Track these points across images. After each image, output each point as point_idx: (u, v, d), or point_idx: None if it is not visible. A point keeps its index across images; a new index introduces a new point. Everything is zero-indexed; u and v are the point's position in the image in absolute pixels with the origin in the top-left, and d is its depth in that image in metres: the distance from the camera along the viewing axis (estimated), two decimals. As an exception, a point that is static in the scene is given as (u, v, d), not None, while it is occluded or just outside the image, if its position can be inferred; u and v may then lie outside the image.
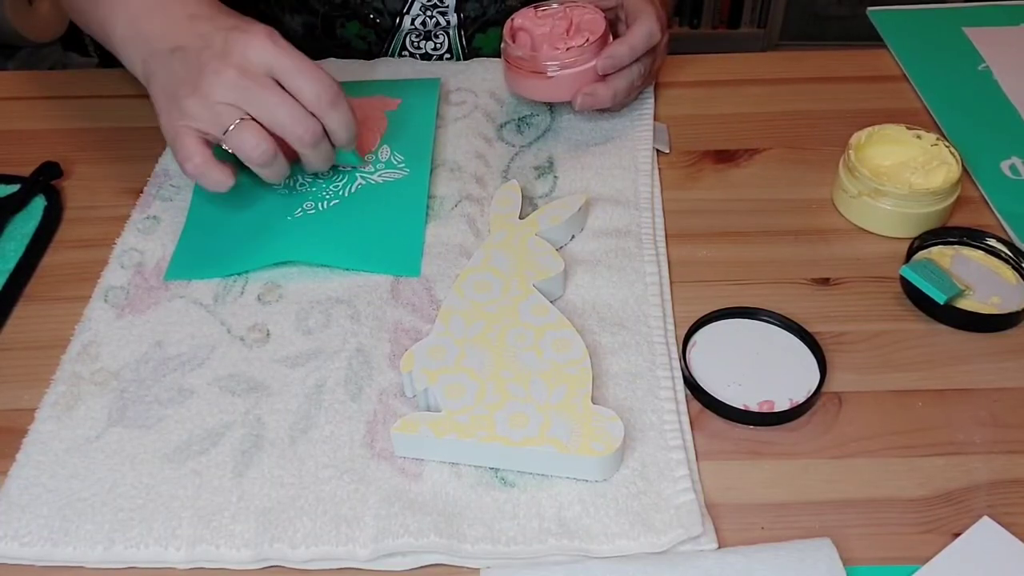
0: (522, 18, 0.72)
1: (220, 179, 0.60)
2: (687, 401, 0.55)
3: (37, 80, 0.85)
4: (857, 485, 0.50)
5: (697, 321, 0.59)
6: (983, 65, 0.81)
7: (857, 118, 0.73)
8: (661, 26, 0.70)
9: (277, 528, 0.48)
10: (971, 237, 0.64)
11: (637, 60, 0.69)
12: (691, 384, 0.55)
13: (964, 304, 0.59)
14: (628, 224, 0.65)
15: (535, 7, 0.73)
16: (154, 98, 0.61)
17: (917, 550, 0.47)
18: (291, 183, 0.68)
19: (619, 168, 0.70)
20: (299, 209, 0.66)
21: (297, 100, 0.59)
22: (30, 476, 0.51)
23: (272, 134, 0.59)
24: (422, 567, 0.48)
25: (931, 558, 0.47)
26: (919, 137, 0.68)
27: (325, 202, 0.66)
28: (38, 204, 0.69)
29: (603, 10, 0.71)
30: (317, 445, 0.52)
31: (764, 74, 0.82)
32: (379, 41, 0.85)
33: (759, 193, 0.69)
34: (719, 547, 0.48)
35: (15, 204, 0.68)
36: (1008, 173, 0.70)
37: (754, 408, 0.54)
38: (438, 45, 0.85)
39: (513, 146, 0.73)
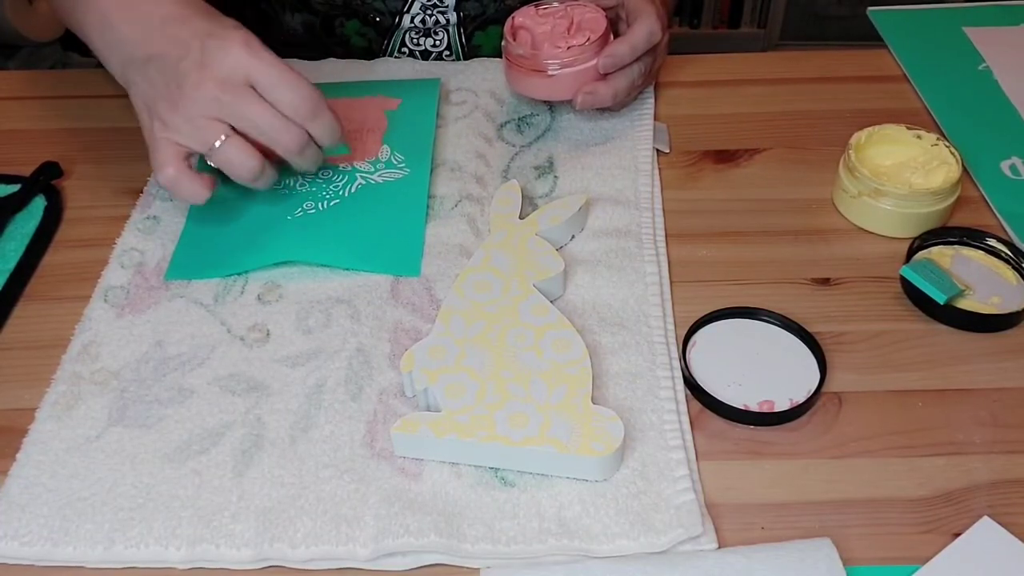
0: (523, 16, 0.72)
1: (194, 191, 0.59)
2: (687, 401, 0.55)
3: (37, 80, 0.85)
4: (857, 485, 0.50)
5: (697, 321, 0.59)
6: (983, 65, 0.81)
7: (857, 118, 0.73)
8: (662, 25, 0.70)
9: (277, 528, 0.48)
10: (971, 237, 0.64)
11: (638, 59, 0.69)
12: (691, 384, 0.55)
13: (964, 304, 0.59)
14: (628, 224, 0.65)
15: (536, 5, 0.73)
16: (135, 106, 0.60)
17: (917, 550, 0.47)
18: (291, 183, 0.68)
19: (619, 168, 0.70)
20: (299, 209, 0.66)
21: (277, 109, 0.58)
22: (30, 476, 0.51)
23: (258, 143, 0.58)
24: (422, 567, 0.48)
25: (931, 558, 0.47)
26: (919, 137, 0.68)
27: (325, 202, 0.66)
28: (38, 204, 0.69)
29: (603, 9, 0.71)
30: (317, 445, 0.52)
31: (764, 74, 0.82)
32: (379, 38, 0.85)
33: (759, 193, 0.69)
34: (719, 547, 0.48)
35: (15, 204, 0.68)
36: (1008, 173, 0.70)
37: (754, 408, 0.54)
38: (437, 42, 0.85)
39: (513, 146, 0.73)
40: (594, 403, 0.52)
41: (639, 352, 0.56)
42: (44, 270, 0.65)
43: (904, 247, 0.63)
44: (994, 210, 0.67)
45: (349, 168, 0.69)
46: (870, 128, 0.68)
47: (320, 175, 0.68)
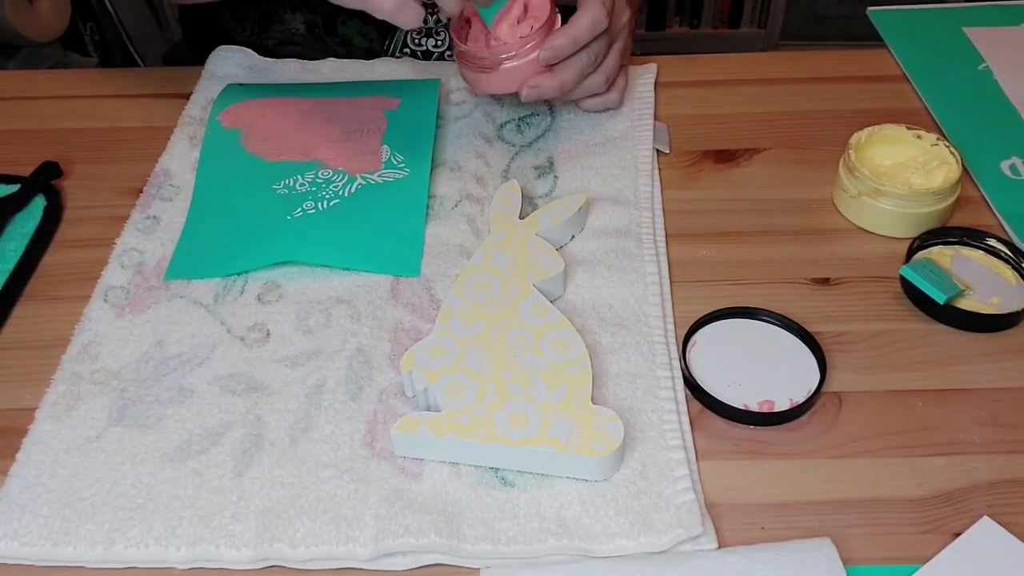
0: (470, 8, 0.69)
1: (414, 16, 0.61)
2: (687, 401, 0.55)
3: (37, 80, 0.85)
4: (857, 485, 0.50)
5: (697, 321, 0.59)
6: (983, 65, 0.81)
7: (857, 118, 0.73)
8: (608, 11, 0.67)
9: (277, 528, 0.48)
10: (971, 237, 0.64)
11: (585, 47, 0.67)
12: (691, 384, 0.55)
13: (964, 304, 0.59)
14: (628, 224, 0.65)
15: None
16: None
17: (917, 550, 0.47)
18: (291, 183, 0.68)
19: (619, 168, 0.70)
20: (299, 209, 0.66)
21: None
22: (30, 476, 0.51)
23: None
24: (422, 567, 0.48)
25: (931, 558, 0.47)
26: (919, 137, 0.68)
27: (325, 202, 0.66)
28: (38, 204, 0.69)
29: None
30: (317, 445, 0.52)
31: (764, 74, 0.82)
32: (380, 38, 0.85)
33: (759, 193, 0.69)
34: (719, 547, 0.48)
35: (15, 204, 0.68)
36: (1008, 173, 0.70)
37: (754, 408, 0.54)
38: (439, 42, 0.85)
39: (513, 146, 0.73)
40: (594, 403, 0.52)
41: (639, 352, 0.56)
42: (44, 270, 0.65)
43: (904, 247, 0.63)
44: (994, 210, 0.67)
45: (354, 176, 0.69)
46: (870, 128, 0.68)
47: (320, 175, 0.68)
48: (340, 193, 0.67)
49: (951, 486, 0.50)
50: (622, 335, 0.57)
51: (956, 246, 0.64)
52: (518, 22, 0.67)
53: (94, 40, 1.67)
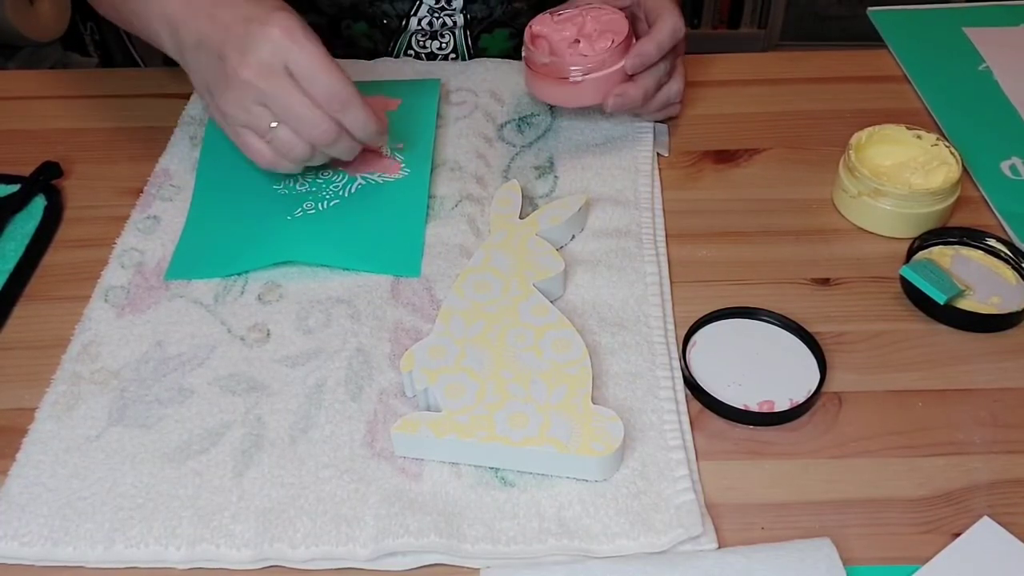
0: (540, 24, 0.71)
1: (292, 168, 0.61)
2: (687, 401, 0.55)
3: (37, 80, 0.85)
4: (857, 485, 0.50)
5: (697, 321, 0.59)
6: (983, 65, 0.81)
7: (857, 118, 0.73)
8: (684, 20, 0.69)
9: (277, 528, 0.48)
10: (971, 237, 0.64)
11: (663, 57, 0.69)
12: (691, 384, 0.55)
13: (964, 304, 0.59)
14: (628, 224, 0.65)
15: (551, 12, 0.72)
16: (196, 89, 0.62)
17: (917, 550, 0.47)
18: (291, 183, 0.68)
19: (619, 168, 0.70)
20: (299, 209, 0.66)
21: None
22: (30, 476, 0.51)
23: None
24: (422, 567, 0.48)
25: (931, 558, 0.47)
26: (919, 137, 0.68)
27: (325, 202, 0.66)
28: (38, 204, 0.69)
29: (620, 10, 0.70)
30: (317, 445, 0.52)
31: (764, 74, 0.82)
32: (385, 40, 0.85)
33: (759, 193, 0.69)
34: (719, 547, 0.48)
35: (15, 204, 0.68)
36: (1008, 173, 0.70)
37: (754, 408, 0.54)
38: (443, 45, 0.85)
39: (513, 146, 0.73)
40: (594, 403, 0.52)
41: (639, 352, 0.56)
42: (44, 270, 0.65)
43: (904, 247, 0.63)
44: (994, 210, 0.67)
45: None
46: (870, 128, 0.68)
47: (320, 175, 0.68)
48: (340, 193, 0.67)
49: (951, 486, 0.50)
50: (622, 335, 0.57)
51: (956, 246, 0.64)
52: (590, 39, 0.69)
53: (94, 40, 1.67)
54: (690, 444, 0.52)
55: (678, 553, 0.47)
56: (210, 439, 0.53)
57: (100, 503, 0.50)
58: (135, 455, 0.52)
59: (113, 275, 0.63)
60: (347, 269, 0.63)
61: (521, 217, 0.63)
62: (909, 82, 0.80)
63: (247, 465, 0.51)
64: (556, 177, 0.70)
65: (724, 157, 0.73)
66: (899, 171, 0.66)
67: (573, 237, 0.65)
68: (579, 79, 0.67)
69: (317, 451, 0.52)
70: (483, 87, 0.79)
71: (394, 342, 0.58)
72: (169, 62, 0.66)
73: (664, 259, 0.63)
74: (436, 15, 0.83)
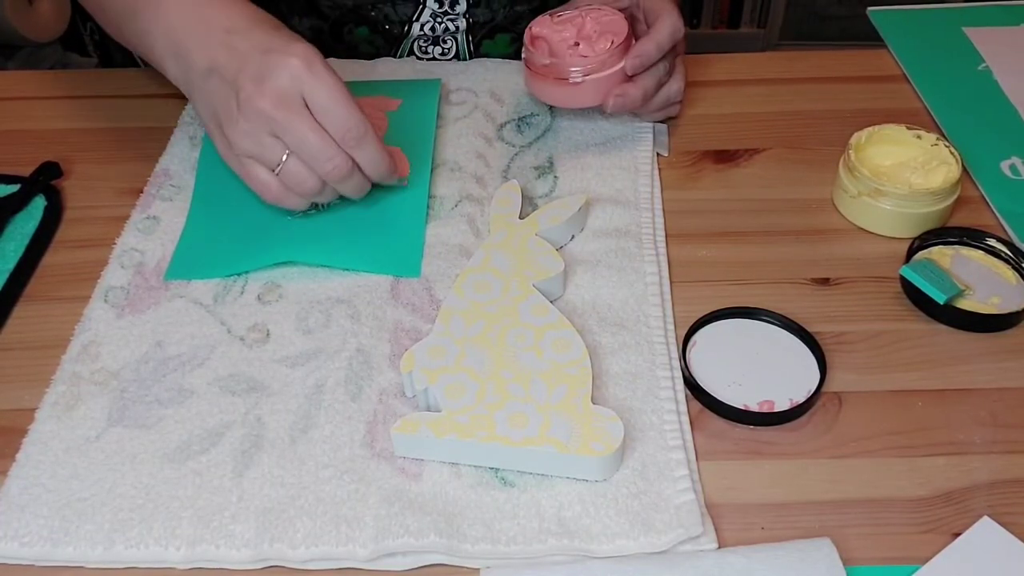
0: (539, 26, 0.71)
1: (298, 203, 0.61)
2: (687, 401, 0.55)
3: (37, 80, 0.85)
4: (857, 485, 0.50)
5: (697, 321, 0.59)
6: (983, 65, 0.81)
7: (857, 118, 0.73)
8: (684, 20, 0.69)
9: (277, 528, 0.48)
10: (971, 237, 0.64)
11: (663, 57, 0.69)
12: (691, 384, 0.55)
13: (964, 304, 0.59)
14: (628, 224, 0.65)
15: (551, 14, 0.72)
16: (200, 116, 0.61)
17: (917, 550, 0.47)
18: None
19: (619, 168, 0.70)
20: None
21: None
22: (30, 476, 0.51)
23: None
24: (422, 567, 0.48)
25: (931, 558, 0.47)
26: (919, 137, 0.68)
27: (325, 202, 0.66)
28: (38, 204, 0.69)
29: (619, 11, 0.71)
30: (317, 445, 0.52)
31: (764, 74, 0.82)
32: (387, 45, 0.85)
33: (759, 193, 0.69)
34: (719, 547, 0.48)
35: (15, 204, 0.68)
36: (1008, 173, 0.70)
37: (754, 408, 0.54)
38: (446, 50, 0.85)
39: (513, 146, 0.73)
40: (594, 403, 0.52)
41: (639, 352, 0.56)
42: (44, 270, 0.65)
43: (904, 247, 0.63)
44: (994, 210, 0.67)
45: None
46: (870, 128, 0.68)
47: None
48: (340, 193, 0.67)
49: (951, 486, 0.50)
50: (622, 335, 0.57)
51: (956, 246, 0.64)
52: (590, 40, 0.69)
53: (94, 40, 1.67)
54: (690, 444, 0.52)
55: (678, 553, 0.47)
56: (210, 439, 0.53)
57: (100, 503, 0.50)
58: (135, 455, 0.52)
59: (113, 275, 0.63)
60: (347, 269, 0.63)
61: (521, 217, 0.63)
62: (909, 82, 0.80)
63: (247, 465, 0.51)
64: (556, 177, 0.70)
65: (724, 157, 0.73)
66: (899, 171, 0.66)
67: (573, 237, 0.65)
68: (579, 80, 0.67)
69: (317, 451, 0.52)
70: (483, 87, 0.79)
71: (394, 342, 0.58)
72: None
73: (664, 259, 0.63)
74: (439, 20, 0.83)
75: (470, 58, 0.86)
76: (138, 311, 0.60)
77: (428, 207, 0.67)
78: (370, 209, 0.66)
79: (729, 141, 0.74)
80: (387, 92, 0.76)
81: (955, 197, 0.65)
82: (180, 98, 0.78)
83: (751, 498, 0.50)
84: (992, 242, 0.63)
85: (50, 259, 0.66)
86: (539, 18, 0.72)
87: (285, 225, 0.65)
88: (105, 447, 0.53)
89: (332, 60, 0.81)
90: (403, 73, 0.81)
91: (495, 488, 0.50)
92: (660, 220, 0.67)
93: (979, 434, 0.53)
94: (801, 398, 0.54)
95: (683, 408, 0.54)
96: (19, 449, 0.53)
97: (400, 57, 0.85)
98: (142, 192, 0.69)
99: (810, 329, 0.57)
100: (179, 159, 0.72)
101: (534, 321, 0.56)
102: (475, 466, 0.51)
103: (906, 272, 0.60)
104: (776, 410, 0.54)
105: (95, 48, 1.69)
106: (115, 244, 0.65)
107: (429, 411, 0.53)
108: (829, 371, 0.56)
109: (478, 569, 0.47)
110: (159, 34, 0.61)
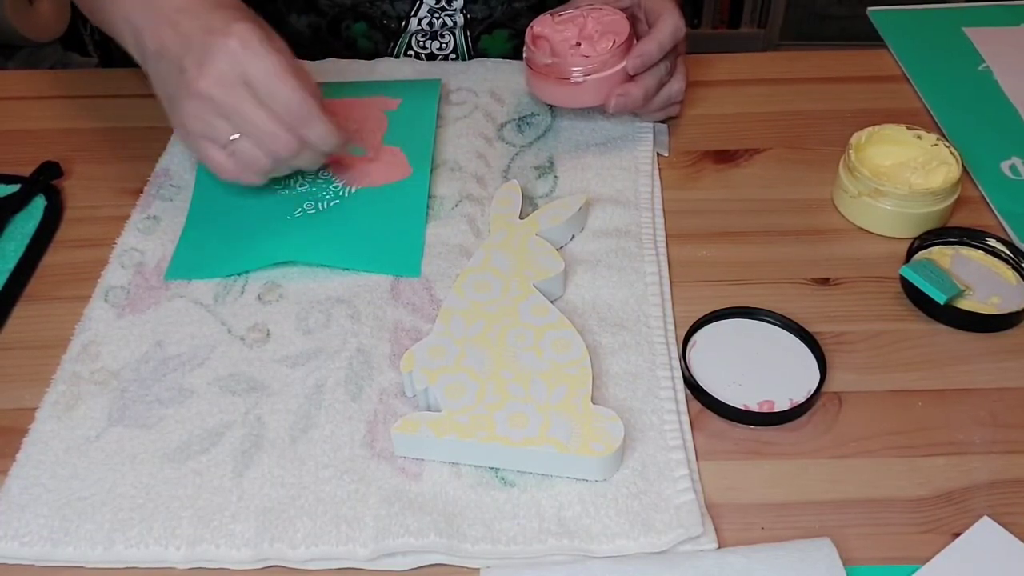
0: (541, 25, 0.71)
1: (256, 179, 0.61)
2: (687, 401, 0.55)
3: (37, 80, 0.85)
4: (857, 485, 0.50)
5: (697, 321, 0.59)
6: (983, 65, 0.81)
7: (857, 118, 0.73)
8: (685, 20, 0.69)
9: (277, 528, 0.48)
10: (971, 237, 0.64)
11: (664, 57, 0.69)
12: (691, 384, 0.55)
13: (964, 304, 0.59)
14: (628, 224, 0.65)
15: (552, 13, 0.72)
16: (158, 97, 0.61)
17: (917, 550, 0.47)
18: (291, 183, 0.68)
19: (619, 168, 0.70)
20: (299, 209, 0.66)
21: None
22: (30, 476, 0.51)
23: None
24: (422, 567, 0.48)
25: (931, 558, 0.47)
26: (919, 137, 0.68)
27: (325, 202, 0.66)
28: (38, 204, 0.69)
29: (620, 10, 0.71)
30: (317, 445, 0.52)
31: (764, 74, 0.82)
32: (385, 41, 0.85)
33: (759, 193, 0.69)
34: (719, 547, 0.48)
35: (15, 204, 0.68)
36: (1008, 173, 0.70)
37: (754, 408, 0.54)
38: (443, 45, 0.85)
39: (513, 146, 0.73)
40: (594, 403, 0.52)
41: (639, 352, 0.56)
42: (44, 270, 0.65)
43: (904, 247, 0.63)
44: (994, 210, 0.67)
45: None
46: (870, 128, 0.68)
47: (320, 175, 0.68)
48: (340, 193, 0.67)
49: (951, 486, 0.50)
50: (622, 335, 0.57)
51: (956, 246, 0.64)
52: (592, 40, 0.69)
53: (94, 40, 1.67)
54: (690, 444, 0.52)
55: (678, 553, 0.47)
56: (210, 439, 0.53)
57: (100, 503, 0.50)
58: (135, 455, 0.52)
59: (113, 275, 0.63)
60: (347, 269, 0.63)
61: (521, 217, 0.63)
62: (909, 82, 0.80)
63: (247, 465, 0.51)
64: (556, 177, 0.70)
65: (724, 157, 0.73)
66: (899, 171, 0.66)
67: (573, 237, 0.65)
68: (581, 80, 0.67)
69: (317, 451, 0.52)
70: (483, 87, 0.79)
71: (394, 342, 0.58)
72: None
73: (664, 259, 0.63)
74: (436, 15, 0.83)
75: (468, 53, 0.86)
76: (138, 311, 0.60)
77: (428, 207, 0.67)
78: (370, 209, 0.66)
79: (729, 141, 0.74)
80: (387, 92, 0.76)
81: (955, 197, 0.65)
82: (180, 98, 0.78)
83: (751, 498, 0.50)
84: (992, 242, 0.63)
85: (50, 259, 0.66)
86: (540, 17, 0.72)
87: (285, 225, 0.65)
88: (105, 447, 0.53)
89: (331, 60, 0.82)
90: (403, 73, 0.81)
91: (495, 488, 0.50)
92: (660, 220, 0.67)
93: (979, 434, 0.53)
94: (801, 398, 0.54)
95: (683, 408, 0.54)
96: (19, 449, 0.53)
97: (398, 52, 0.85)
98: (142, 192, 0.69)
99: (810, 329, 0.57)
100: (179, 159, 0.72)
101: (534, 321, 0.56)
102: (475, 466, 0.51)
103: (906, 272, 0.60)
104: (776, 410, 0.54)
105: (95, 48, 1.68)
106: (115, 244, 0.65)
107: (429, 411, 0.53)
108: (829, 371, 0.56)
109: (478, 569, 0.47)
110: (119, 18, 0.61)
